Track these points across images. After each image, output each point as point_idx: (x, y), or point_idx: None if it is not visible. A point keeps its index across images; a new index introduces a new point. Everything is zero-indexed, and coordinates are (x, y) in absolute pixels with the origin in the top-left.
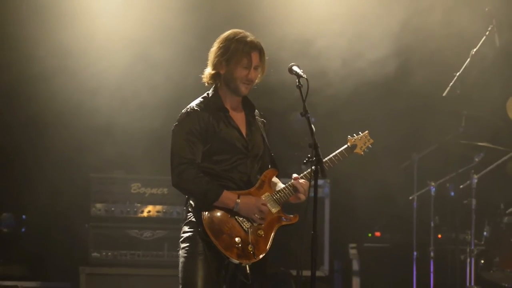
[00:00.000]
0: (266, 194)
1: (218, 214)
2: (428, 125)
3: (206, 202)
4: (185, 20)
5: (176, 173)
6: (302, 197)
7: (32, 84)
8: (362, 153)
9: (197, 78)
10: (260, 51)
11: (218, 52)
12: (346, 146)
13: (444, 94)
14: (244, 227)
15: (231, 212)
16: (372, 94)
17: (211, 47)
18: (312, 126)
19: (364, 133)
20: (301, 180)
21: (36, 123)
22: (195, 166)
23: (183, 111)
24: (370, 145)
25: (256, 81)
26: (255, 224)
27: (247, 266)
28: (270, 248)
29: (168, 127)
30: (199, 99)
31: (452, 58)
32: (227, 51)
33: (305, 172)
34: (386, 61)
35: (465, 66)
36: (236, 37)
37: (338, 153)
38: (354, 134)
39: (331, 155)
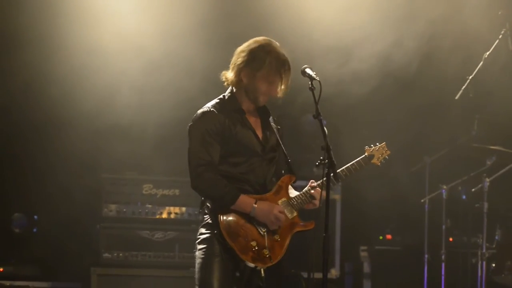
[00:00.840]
0: (283, 199)
1: (235, 217)
2: (440, 128)
3: (223, 205)
4: (202, 18)
5: (194, 175)
6: (317, 203)
7: (44, 86)
8: (379, 164)
9: (213, 80)
10: (289, 68)
11: (246, 60)
12: (364, 156)
13: (456, 97)
14: (260, 231)
15: (247, 216)
16: (385, 97)
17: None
18: (325, 128)
19: (382, 144)
20: (317, 188)
21: (48, 124)
22: (213, 168)
23: (198, 111)
24: (387, 156)
25: (278, 95)
26: (271, 229)
27: (262, 270)
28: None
29: (181, 128)
30: (215, 100)
31: (465, 61)
32: (256, 65)
33: (320, 181)
34: (398, 64)
35: (478, 70)
36: (268, 50)
37: (356, 162)
38: (372, 145)
39: (348, 164)
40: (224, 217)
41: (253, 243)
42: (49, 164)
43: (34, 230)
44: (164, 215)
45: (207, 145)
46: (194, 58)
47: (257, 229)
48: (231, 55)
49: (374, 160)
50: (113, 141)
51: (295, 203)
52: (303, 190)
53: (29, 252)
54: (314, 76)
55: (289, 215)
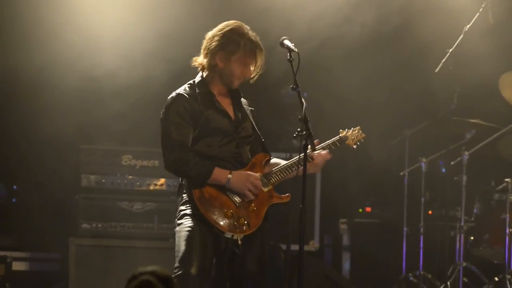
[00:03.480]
0: (258, 174)
1: (209, 190)
2: (419, 102)
3: (199, 181)
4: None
5: (167, 156)
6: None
7: (22, 52)
8: (354, 146)
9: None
10: (262, 50)
11: (219, 46)
12: (338, 137)
13: (436, 71)
14: (236, 202)
15: (222, 188)
16: (364, 68)
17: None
18: (303, 100)
19: (356, 128)
20: (320, 151)
21: (26, 94)
22: (186, 148)
23: (168, 97)
24: (362, 140)
25: (252, 76)
26: (246, 200)
27: (239, 238)
28: (262, 224)
29: (162, 100)
30: (185, 85)
31: (445, 34)
32: (230, 49)
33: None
34: (376, 34)
35: (458, 43)
36: (241, 34)
37: (330, 143)
38: (346, 129)
39: (322, 144)
40: (198, 191)
41: (229, 213)
42: (28, 135)
43: (13, 200)
44: (143, 187)
45: (178, 126)
46: (179, 27)
47: (232, 200)
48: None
49: (349, 141)
50: (92, 111)
51: (269, 177)
52: (283, 165)
53: (7, 222)
54: (293, 47)
55: (264, 189)
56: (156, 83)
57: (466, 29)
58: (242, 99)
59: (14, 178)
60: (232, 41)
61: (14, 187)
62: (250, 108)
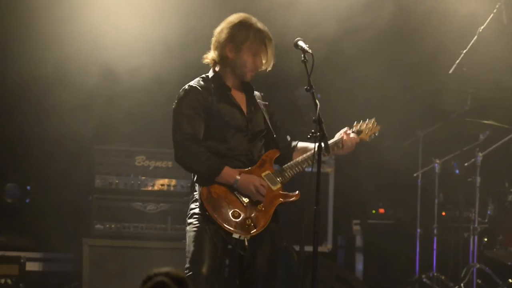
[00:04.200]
0: (267, 172)
1: (217, 189)
2: (433, 103)
3: (207, 178)
4: None
5: (178, 148)
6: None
7: (35, 55)
8: (368, 139)
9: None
10: (271, 40)
11: (229, 38)
12: (351, 130)
13: (450, 72)
14: (243, 202)
15: (230, 187)
16: (378, 69)
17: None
18: (317, 101)
19: (371, 120)
20: (352, 135)
21: (40, 94)
22: (198, 142)
23: (181, 90)
24: (376, 133)
25: (264, 68)
26: (254, 200)
27: (246, 239)
28: (271, 224)
29: (173, 101)
30: (198, 78)
31: (459, 35)
32: (240, 39)
33: (310, 153)
34: (390, 35)
35: (472, 44)
36: (249, 25)
37: (337, 140)
38: (361, 120)
39: (335, 139)
40: (207, 190)
41: (236, 214)
42: (41, 135)
43: (27, 200)
44: (157, 187)
45: (190, 119)
46: (193, 29)
47: (240, 200)
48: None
49: (362, 135)
50: (106, 112)
51: (279, 175)
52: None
53: (21, 222)
54: (307, 48)
55: (273, 187)
56: (170, 83)
57: (480, 30)
58: (256, 93)
59: (27, 178)
60: (240, 32)
61: (28, 187)
62: (264, 102)
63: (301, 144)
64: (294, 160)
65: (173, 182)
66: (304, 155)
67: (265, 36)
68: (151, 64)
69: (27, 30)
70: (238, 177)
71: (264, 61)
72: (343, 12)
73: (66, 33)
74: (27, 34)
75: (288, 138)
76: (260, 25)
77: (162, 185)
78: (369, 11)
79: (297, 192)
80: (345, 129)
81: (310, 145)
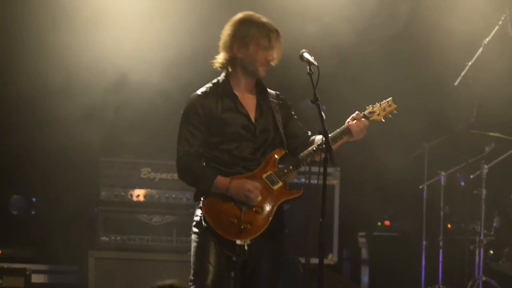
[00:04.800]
0: (269, 172)
1: (215, 197)
2: (438, 115)
3: (203, 191)
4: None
5: (176, 166)
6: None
7: (41, 67)
8: (382, 119)
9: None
10: (277, 31)
11: (234, 36)
12: (362, 113)
13: (455, 84)
14: (240, 207)
15: (226, 195)
16: (383, 82)
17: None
18: (323, 113)
19: (387, 99)
20: (355, 121)
21: (46, 106)
22: (192, 157)
23: (189, 97)
24: (395, 111)
25: (273, 62)
26: (251, 204)
27: (246, 244)
28: (273, 226)
29: (180, 111)
30: (207, 85)
31: (464, 47)
32: (245, 34)
33: (313, 146)
34: (395, 48)
35: (478, 56)
36: (252, 20)
37: (340, 131)
38: (376, 103)
39: (340, 129)
40: (207, 201)
41: (234, 220)
42: (47, 147)
43: (32, 212)
44: (162, 199)
45: (187, 134)
46: (194, 41)
47: (237, 206)
48: None
49: (375, 117)
50: (111, 124)
51: (280, 173)
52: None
53: (27, 234)
54: (312, 60)
55: (274, 187)
56: (176, 95)
57: (486, 42)
58: (270, 92)
59: (33, 190)
60: (244, 28)
61: (33, 199)
62: (278, 101)
63: (318, 137)
64: (300, 155)
65: (179, 194)
66: (309, 148)
67: (269, 29)
68: (158, 77)
69: (35, 42)
70: (229, 185)
71: (273, 53)
72: (352, 26)
73: (73, 46)
74: (35, 46)
75: (309, 133)
76: (263, 19)
77: (168, 197)
78: (376, 24)
79: (300, 189)
80: (356, 113)
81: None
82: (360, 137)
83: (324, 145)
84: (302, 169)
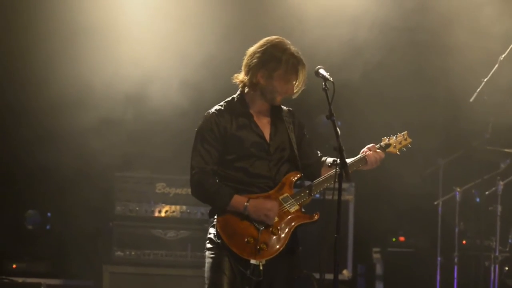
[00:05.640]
0: (285, 195)
1: (232, 216)
2: (454, 131)
3: (219, 208)
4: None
5: (190, 182)
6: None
7: (57, 84)
8: (398, 152)
9: (228, 80)
10: (304, 66)
11: (261, 63)
12: (378, 145)
13: (471, 100)
14: (257, 227)
15: (243, 214)
16: (400, 96)
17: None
18: (338, 129)
19: (402, 133)
20: (371, 151)
21: (62, 122)
22: (206, 174)
23: (205, 114)
24: (409, 145)
25: (295, 92)
26: (268, 224)
27: (261, 264)
28: (288, 247)
29: (195, 126)
30: (223, 103)
31: (480, 63)
32: (273, 67)
33: (329, 173)
34: (410, 62)
35: (493, 72)
36: (282, 49)
37: (358, 159)
38: (391, 135)
39: (357, 157)
40: (222, 219)
41: (250, 239)
42: (63, 162)
43: (47, 227)
44: (177, 214)
45: (202, 151)
46: (212, 54)
47: (254, 225)
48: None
49: (391, 149)
50: (126, 139)
51: (297, 197)
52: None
53: (42, 249)
54: (328, 76)
55: (291, 209)
56: (191, 111)
57: (502, 58)
58: (284, 108)
59: (48, 205)
60: (273, 58)
61: (48, 214)
62: (291, 119)
63: (329, 159)
64: (316, 180)
65: (193, 209)
66: (325, 175)
67: (298, 63)
68: (174, 92)
69: (48, 57)
70: (247, 204)
71: (295, 88)
72: (367, 43)
73: (91, 61)
74: (51, 60)
75: (319, 153)
76: (294, 50)
77: (183, 212)
78: (390, 39)
79: (316, 213)
80: (371, 145)
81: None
82: (374, 167)
83: (339, 161)
84: None
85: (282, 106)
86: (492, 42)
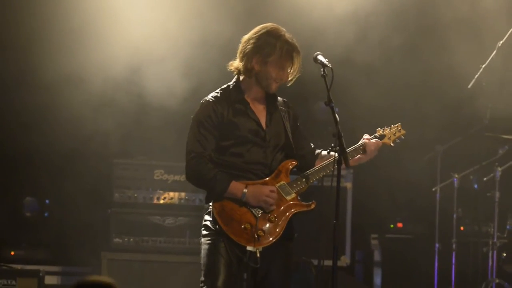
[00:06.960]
0: (282, 182)
1: (229, 202)
2: (452, 117)
3: (216, 194)
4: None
5: (186, 168)
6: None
7: (54, 69)
8: (392, 143)
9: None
10: (299, 52)
11: (256, 49)
12: (373, 136)
13: (469, 86)
14: (255, 213)
15: (240, 201)
16: (396, 83)
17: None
18: (336, 115)
19: (396, 124)
20: (373, 140)
21: (59, 108)
22: (204, 159)
23: (200, 102)
24: (402, 136)
25: (289, 79)
26: (266, 211)
27: (258, 251)
28: (284, 234)
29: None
30: (218, 90)
31: (478, 49)
32: (268, 52)
33: (327, 161)
34: (409, 48)
35: (492, 58)
36: (278, 37)
37: (356, 147)
38: (385, 126)
39: (356, 145)
40: (219, 205)
41: (247, 225)
42: (61, 149)
43: (45, 214)
44: (175, 201)
45: (200, 136)
46: (211, 40)
47: (251, 212)
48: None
49: (385, 140)
50: (124, 126)
51: (293, 185)
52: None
53: (40, 236)
54: (326, 62)
55: (287, 197)
56: (188, 98)
57: (500, 44)
58: (280, 99)
59: (46, 192)
60: (268, 44)
61: (47, 201)
62: (287, 109)
63: (324, 152)
64: (313, 168)
65: (192, 195)
66: (323, 163)
67: (293, 49)
68: (170, 80)
69: (49, 43)
70: (245, 190)
71: (289, 72)
72: (362, 26)
73: (87, 42)
74: (45, 44)
75: (312, 145)
76: (288, 36)
77: (181, 198)
78: (388, 25)
79: (312, 201)
80: (366, 135)
81: (332, 154)
82: (371, 157)
83: (338, 147)
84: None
85: (278, 97)
86: (490, 28)
